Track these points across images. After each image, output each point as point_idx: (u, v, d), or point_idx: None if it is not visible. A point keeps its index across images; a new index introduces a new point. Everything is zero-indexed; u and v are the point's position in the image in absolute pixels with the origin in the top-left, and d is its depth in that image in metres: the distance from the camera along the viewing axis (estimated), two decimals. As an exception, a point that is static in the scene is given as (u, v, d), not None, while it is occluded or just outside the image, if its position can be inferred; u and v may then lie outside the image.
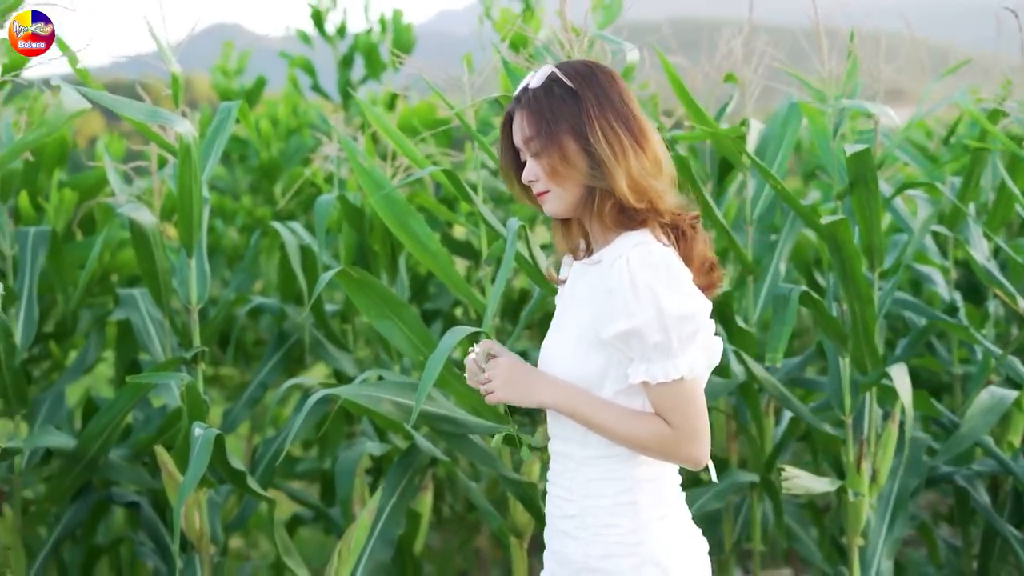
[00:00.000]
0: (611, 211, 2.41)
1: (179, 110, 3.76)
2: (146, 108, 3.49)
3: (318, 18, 6.71)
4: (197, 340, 3.77)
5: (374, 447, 4.27)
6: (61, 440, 3.75)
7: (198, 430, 3.27)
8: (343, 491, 4.16)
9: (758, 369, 4.00)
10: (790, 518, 4.65)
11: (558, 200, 2.45)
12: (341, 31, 6.73)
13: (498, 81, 4.94)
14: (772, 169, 4.12)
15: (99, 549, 4.83)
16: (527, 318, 4.10)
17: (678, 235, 2.46)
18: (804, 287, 3.72)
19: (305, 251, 4.41)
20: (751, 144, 4.25)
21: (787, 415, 4.44)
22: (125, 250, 4.91)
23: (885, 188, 4.21)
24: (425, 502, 4.51)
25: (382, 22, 6.52)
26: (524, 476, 3.95)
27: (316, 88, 6.81)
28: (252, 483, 3.41)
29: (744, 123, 4.29)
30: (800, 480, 3.71)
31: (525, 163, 2.49)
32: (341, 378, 4.49)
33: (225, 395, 6.12)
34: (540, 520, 3.89)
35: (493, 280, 3.88)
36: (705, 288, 2.47)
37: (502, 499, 4.50)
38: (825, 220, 3.62)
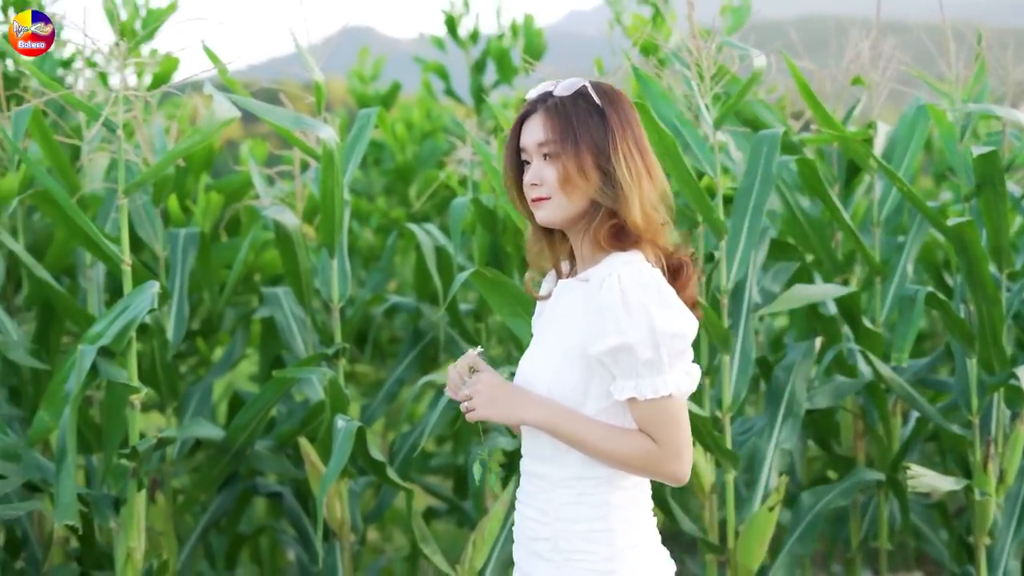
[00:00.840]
0: (607, 231, 2.41)
1: (321, 116, 3.93)
2: (291, 115, 3.66)
3: (452, 24, 6.87)
4: (339, 337, 3.94)
5: (505, 442, 4.40)
6: (211, 431, 3.93)
7: (341, 422, 3.43)
8: (473, 486, 4.30)
9: (885, 369, 4.04)
10: (918, 519, 4.67)
11: (558, 209, 2.42)
12: (474, 36, 6.87)
13: (629, 86, 5.04)
14: (899, 171, 4.16)
15: (242, 537, 5.03)
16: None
17: (673, 271, 2.47)
18: (931, 288, 3.75)
19: (440, 252, 4.54)
20: (878, 147, 4.28)
21: (914, 415, 4.47)
22: (268, 251, 5.11)
23: (1014, 189, 4.21)
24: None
25: (514, 28, 6.65)
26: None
27: (449, 92, 6.97)
28: (392, 474, 3.56)
29: (871, 126, 4.32)
30: (926, 479, 3.74)
31: (524, 166, 2.49)
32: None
33: (360, 391, 6.30)
34: (668, 515, 3.99)
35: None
36: None
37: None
38: (952, 222, 3.65)
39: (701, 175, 3.89)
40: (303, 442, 3.86)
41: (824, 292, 4.13)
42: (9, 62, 5.06)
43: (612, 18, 5.83)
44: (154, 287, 3.30)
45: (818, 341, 4.16)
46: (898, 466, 4.18)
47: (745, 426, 4.35)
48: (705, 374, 3.96)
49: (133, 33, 4.94)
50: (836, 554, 5.54)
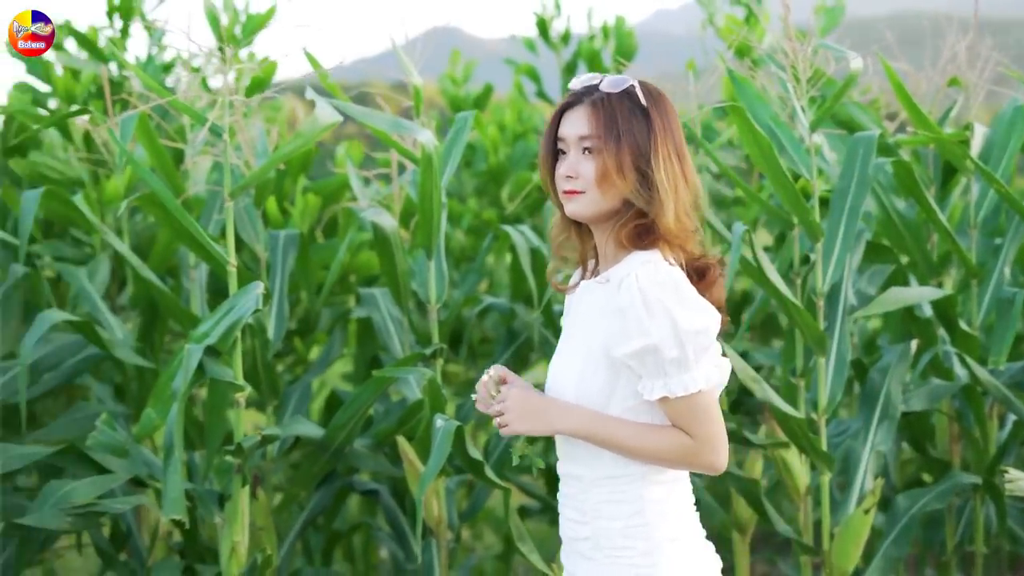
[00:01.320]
0: (630, 230, 2.41)
1: (419, 119, 3.99)
2: (389, 119, 3.72)
3: (543, 26, 6.91)
4: (436, 337, 3.99)
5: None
6: (311, 430, 4.00)
7: (439, 421, 3.48)
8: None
9: (981, 372, 4.02)
10: (1015, 523, 4.63)
11: (590, 204, 2.42)
12: (565, 38, 6.91)
13: (720, 87, 5.05)
14: (997, 173, 4.13)
15: (338, 534, 5.11)
16: (750, 320, 4.20)
17: (699, 272, 2.48)
18: (1029, 291, 3.73)
19: (535, 253, 4.59)
20: (975, 148, 4.26)
21: (1011, 419, 4.43)
22: (363, 252, 5.19)
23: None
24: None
25: (605, 29, 6.67)
26: (746, 472, 4.07)
27: (540, 94, 7.01)
28: (489, 472, 3.60)
29: (968, 127, 4.29)
30: (1022, 482, 3.72)
31: (559, 156, 2.48)
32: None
33: (452, 391, 6.36)
34: (763, 516, 4.01)
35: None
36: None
37: (723, 495, 4.62)
38: (1049, 224, 3.62)
39: (796, 177, 3.90)
40: (401, 441, 3.92)
41: (920, 295, 4.12)
42: (112, 66, 5.20)
43: (704, 19, 5.84)
44: (259, 288, 3.38)
45: (913, 344, 4.15)
46: (994, 470, 4.15)
47: (840, 428, 4.35)
48: (800, 376, 3.97)
49: (233, 38, 5.04)
50: (930, 558, 5.50)
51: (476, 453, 3.58)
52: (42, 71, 5.36)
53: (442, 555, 4.04)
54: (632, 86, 2.42)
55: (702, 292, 2.44)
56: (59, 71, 5.29)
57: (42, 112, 5.07)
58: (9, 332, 4.59)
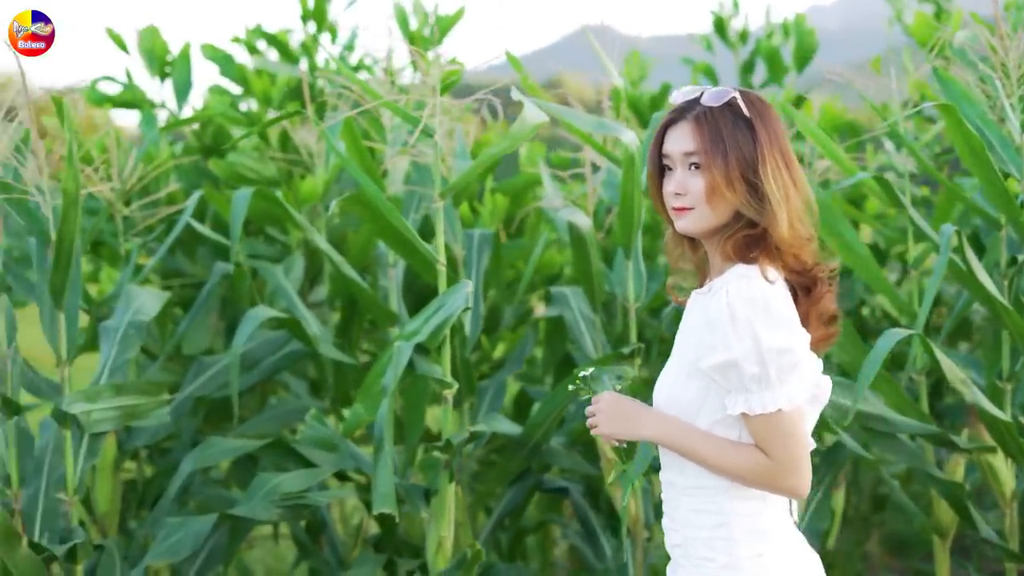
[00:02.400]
0: (737, 241, 2.37)
1: (620, 120, 4.00)
2: (593, 119, 3.74)
3: (720, 25, 6.87)
4: (634, 337, 4.00)
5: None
6: (508, 427, 4.04)
7: (644, 420, 3.48)
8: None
9: None
10: None
11: (700, 220, 2.39)
12: (743, 37, 6.86)
13: (906, 86, 4.96)
14: None
15: (523, 531, 5.15)
16: (950, 326, 4.13)
17: (805, 287, 2.43)
18: None
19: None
20: None
21: None
22: (547, 251, 5.21)
23: None
24: (839, 499, 4.59)
25: (785, 27, 6.61)
26: (947, 475, 3.99)
27: (716, 93, 6.96)
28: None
29: None
30: None
31: (665, 172, 2.45)
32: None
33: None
34: (965, 519, 3.93)
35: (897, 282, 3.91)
36: (822, 340, 2.46)
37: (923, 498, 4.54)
38: None
39: (1006, 176, 3.82)
40: (600, 440, 3.94)
41: None
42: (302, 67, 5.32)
43: (892, 15, 5.75)
44: (468, 287, 3.43)
45: None
46: None
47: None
48: (1007, 379, 3.89)
49: (424, 40, 5.12)
50: None
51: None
52: (236, 74, 5.51)
53: (638, 553, 4.05)
54: (734, 97, 2.39)
55: (808, 307, 2.42)
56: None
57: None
58: (206, 329, 4.73)
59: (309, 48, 5.37)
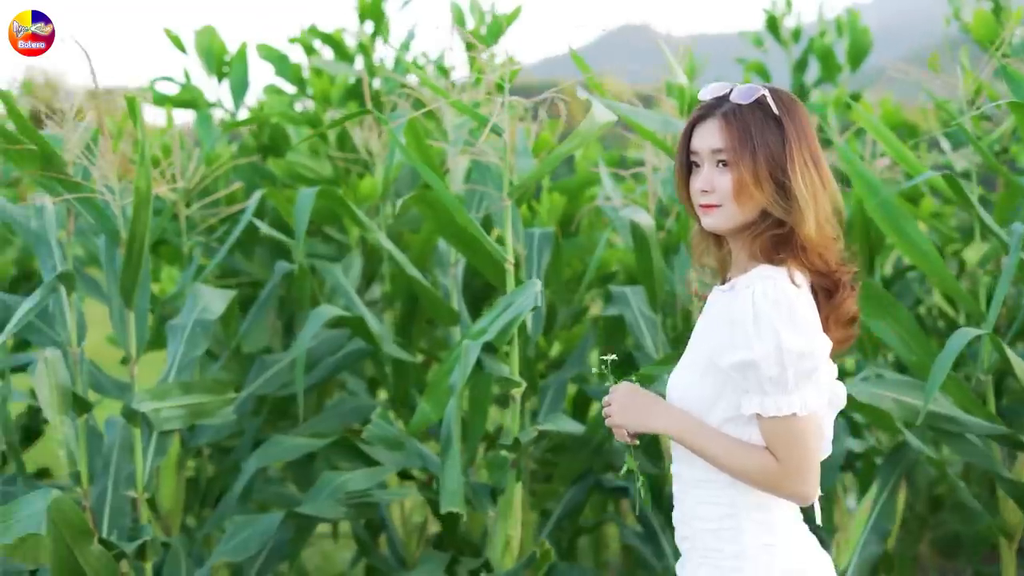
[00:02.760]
0: (766, 241, 2.36)
1: (682, 118, 3.99)
2: (660, 118, 3.73)
3: (773, 23, 6.85)
4: (698, 336, 3.99)
5: (853, 443, 4.38)
6: (572, 426, 4.04)
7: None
8: (826, 484, 4.29)
9: None
10: None
11: (727, 218, 2.39)
12: (796, 35, 6.83)
13: (961, 83, 4.92)
14: None
15: (580, 530, 5.14)
16: (1020, 325, 4.10)
17: (831, 287, 2.42)
18: None
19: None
20: None
21: None
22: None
23: None
24: (899, 500, 4.57)
25: (839, 24, 6.58)
26: (1016, 476, 3.96)
27: (770, 92, 6.94)
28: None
29: None
30: None
31: (692, 169, 2.45)
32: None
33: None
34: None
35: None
36: (842, 342, 2.45)
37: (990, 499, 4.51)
38: None
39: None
40: (663, 438, 3.93)
41: None
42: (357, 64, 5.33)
43: (950, 13, 5.70)
44: (536, 286, 3.42)
45: None
46: None
47: None
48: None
49: (480, 39, 5.12)
50: None
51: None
52: (291, 73, 5.53)
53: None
54: (763, 95, 2.37)
55: (829, 310, 2.41)
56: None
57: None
58: (264, 328, 4.75)
59: (366, 47, 5.37)
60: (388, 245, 4.08)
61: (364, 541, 4.52)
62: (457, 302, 4.47)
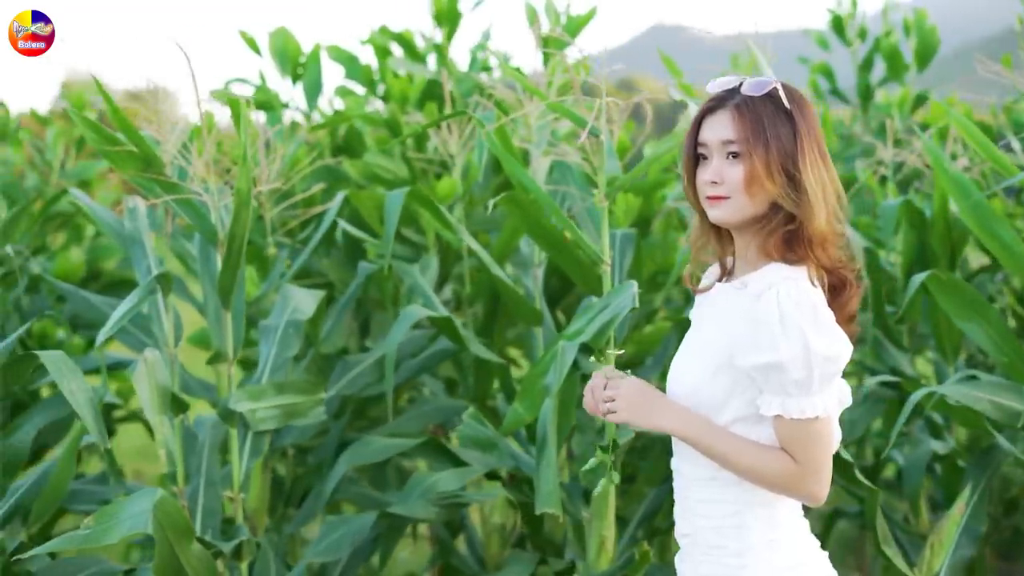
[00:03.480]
0: (780, 238, 2.36)
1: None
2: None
3: (838, 24, 6.82)
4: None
5: (938, 445, 4.36)
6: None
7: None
8: (911, 487, 4.27)
9: None
10: None
11: (736, 210, 2.38)
12: (862, 35, 6.81)
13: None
14: None
15: (656, 531, 5.14)
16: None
17: (834, 287, 2.42)
18: None
19: (869, 252, 4.53)
20: None
21: None
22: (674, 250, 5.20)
23: None
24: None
25: (906, 24, 6.55)
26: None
27: (835, 92, 6.93)
28: (859, 475, 3.56)
29: None
30: None
31: (699, 160, 2.44)
32: (899, 376, 4.59)
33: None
34: None
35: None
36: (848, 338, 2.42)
37: None
38: None
39: None
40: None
41: None
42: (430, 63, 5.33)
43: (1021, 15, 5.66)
44: (634, 287, 3.40)
45: None
46: None
47: None
48: None
49: (556, 40, 5.12)
50: None
51: (847, 455, 3.54)
52: (362, 75, 5.55)
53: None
54: (775, 88, 2.38)
55: (835, 308, 2.39)
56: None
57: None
58: (342, 328, 4.76)
59: (441, 48, 5.38)
60: (474, 246, 4.08)
61: (444, 541, 4.53)
62: (540, 302, 4.47)
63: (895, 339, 4.62)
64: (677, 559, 2.60)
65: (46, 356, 3.28)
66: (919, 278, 3.76)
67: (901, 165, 5.23)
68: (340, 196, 4.36)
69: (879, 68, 6.72)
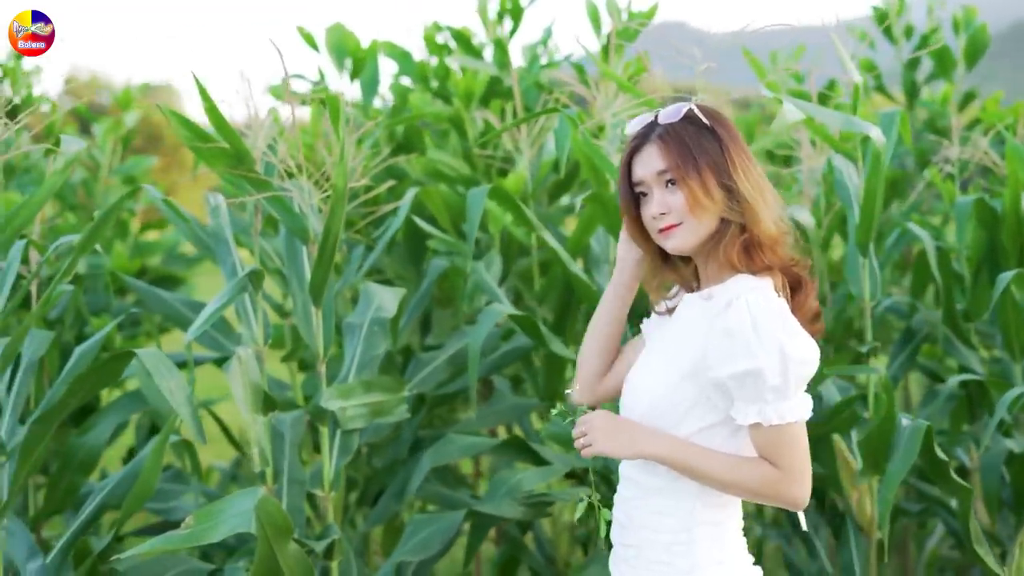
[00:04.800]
0: (739, 249, 2.38)
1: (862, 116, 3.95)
2: (842, 117, 3.69)
3: (883, 19, 6.79)
4: (870, 336, 3.96)
5: (1013, 444, 4.35)
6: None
7: (905, 421, 3.45)
8: (990, 486, 4.26)
9: None
10: None
11: (690, 234, 2.41)
12: (908, 32, 6.78)
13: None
14: None
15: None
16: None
17: (794, 284, 2.45)
18: None
19: (940, 252, 4.52)
20: None
21: None
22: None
23: None
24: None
25: (956, 22, 6.51)
26: None
27: (880, 89, 6.90)
28: (954, 475, 3.55)
29: None
30: None
31: (640, 199, 2.48)
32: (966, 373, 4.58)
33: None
34: None
35: None
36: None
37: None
38: None
39: None
40: (836, 439, 3.91)
41: None
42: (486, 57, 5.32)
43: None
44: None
45: None
46: None
47: None
48: None
49: (624, 35, 5.10)
50: None
51: (942, 454, 3.53)
52: (416, 71, 5.53)
53: (872, 555, 4.01)
54: (690, 109, 2.43)
55: (795, 307, 2.42)
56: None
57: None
58: (408, 326, 4.74)
59: (502, 44, 5.36)
60: (554, 243, 4.05)
61: (515, 539, 4.52)
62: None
63: (964, 337, 4.61)
64: (612, 561, 2.60)
65: (144, 354, 3.26)
66: (1006, 277, 3.75)
67: (966, 163, 5.21)
68: (411, 193, 4.33)
69: (925, 65, 6.70)
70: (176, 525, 4.31)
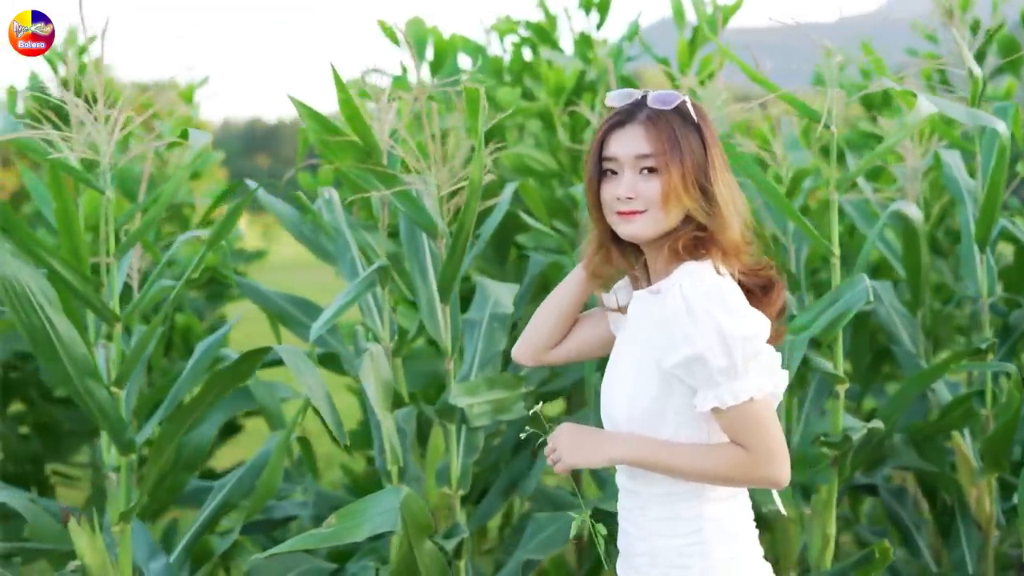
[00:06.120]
0: (686, 239, 2.33)
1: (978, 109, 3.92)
2: (966, 110, 3.66)
3: (949, 15, 6.76)
4: (988, 331, 3.93)
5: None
6: (875, 422, 3.96)
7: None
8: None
9: None
10: None
11: (652, 224, 2.34)
12: (974, 28, 6.75)
13: None
14: None
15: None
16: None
17: (765, 284, 2.42)
18: None
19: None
20: None
21: None
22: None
23: None
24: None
25: (1023, 17, 6.49)
26: None
27: (944, 82, 6.87)
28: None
29: None
30: None
31: (606, 175, 2.40)
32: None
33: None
34: None
35: None
36: (778, 335, 2.42)
37: None
38: None
39: None
40: (956, 436, 3.88)
41: None
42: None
43: None
44: (866, 281, 3.36)
45: None
46: None
47: None
48: None
49: (703, 35, 5.07)
50: None
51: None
52: (490, 66, 5.49)
53: (989, 554, 3.98)
54: (684, 101, 2.37)
55: (764, 306, 2.39)
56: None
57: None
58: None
59: (589, 39, 5.32)
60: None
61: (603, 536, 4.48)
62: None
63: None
64: (620, 569, 2.55)
65: (283, 350, 3.22)
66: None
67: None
68: (510, 187, 4.29)
69: (990, 60, 6.66)
70: (278, 524, 4.30)
